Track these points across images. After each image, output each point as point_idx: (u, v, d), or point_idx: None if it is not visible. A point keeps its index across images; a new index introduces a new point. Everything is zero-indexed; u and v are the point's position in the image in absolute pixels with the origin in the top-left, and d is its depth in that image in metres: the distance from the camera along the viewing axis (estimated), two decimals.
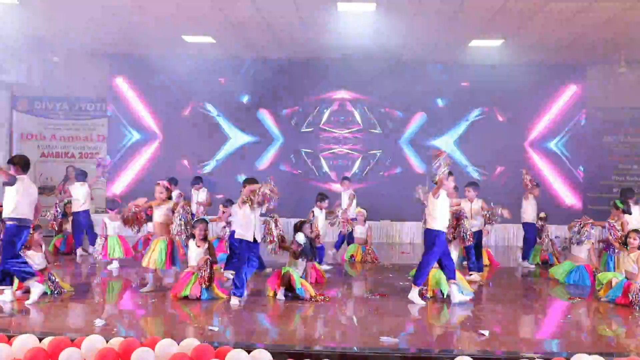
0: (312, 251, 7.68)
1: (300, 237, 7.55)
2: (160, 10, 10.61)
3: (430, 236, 7.23)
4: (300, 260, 7.55)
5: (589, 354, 4.71)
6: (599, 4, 9.70)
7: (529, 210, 10.60)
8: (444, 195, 7.23)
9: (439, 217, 7.20)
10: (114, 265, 9.53)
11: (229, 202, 10.27)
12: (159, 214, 7.67)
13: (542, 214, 10.85)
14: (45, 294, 7.14)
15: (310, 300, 7.17)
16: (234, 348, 4.67)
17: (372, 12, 10.26)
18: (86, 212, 10.89)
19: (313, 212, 10.05)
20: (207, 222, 7.75)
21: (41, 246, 7.50)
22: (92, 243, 10.63)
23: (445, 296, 7.34)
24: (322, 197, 10.19)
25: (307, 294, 7.24)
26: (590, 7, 9.84)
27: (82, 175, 11.19)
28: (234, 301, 6.96)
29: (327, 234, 11.08)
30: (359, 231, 10.97)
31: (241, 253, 7.24)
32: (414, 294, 7.23)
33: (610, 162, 14.48)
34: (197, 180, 12.01)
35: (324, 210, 10.12)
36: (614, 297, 7.37)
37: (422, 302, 7.15)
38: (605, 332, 6.20)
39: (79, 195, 10.90)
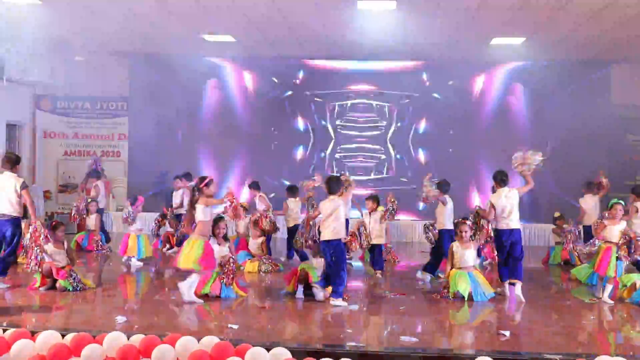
0: None
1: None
2: (181, 10, 10.68)
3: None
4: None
5: (612, 355, 4.64)
6: (619, 1, 9.53)
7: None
8: None
9: None
10: (135, 263, 9.61)
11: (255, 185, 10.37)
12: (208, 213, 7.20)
13: (557, 214, 10.74)
14: (67, 290, 7.25)
15: (329, 298, 7.15)
16: (254, 346, 4.68)
17: (393, 10, 10.21)
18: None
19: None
20: (225, 221, 7.78)
21: (63, 243, 7.59)
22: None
23: (466, 298, 7.27)
24: (371, 198, 9.39)
25: (326, 291, 7.21)
26: (616, 3, 9.67)
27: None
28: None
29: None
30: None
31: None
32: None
33: (634, 160, 14.23)
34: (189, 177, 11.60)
35: (376, 212, 9.24)
36: (638, 299, 7.24)
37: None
38: (629, 333, 6.10)
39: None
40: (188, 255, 6.88)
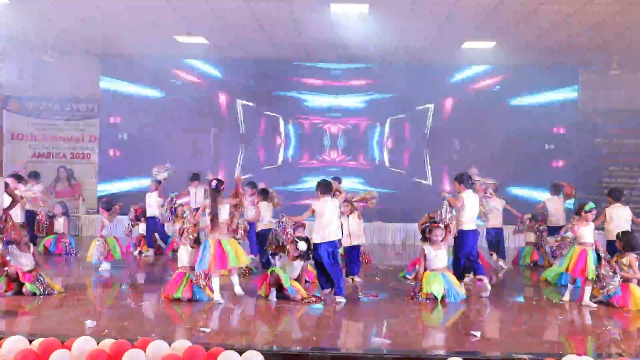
0: (309, 252, 7.55)
1: (302, 245, 7.46)
2: (153, 11, 10.58)
3: None
4: (297, 262, 7.54)
5: (580, 355, 4.73)
6: (589, 7, 9.76)
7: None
8: None
9: None
10: (105, 266, 9.44)
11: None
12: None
13: (528, 215, 10.96)
14: (34, 294, 7.12)
15: (302, 301, 7.16)
16: (226, 349, 4.65)
17: (366, 14, 10.27)
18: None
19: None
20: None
21: (29, 246, 7.44)
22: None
23: (440, 299, 7.35)
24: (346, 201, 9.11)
25: (298, 295, 7.21)
26: (582, 10, 9.89)
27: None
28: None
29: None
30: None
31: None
32: None
33: (600, 164, 14.56)
34: (195, 177, 11.60)
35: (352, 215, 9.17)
36: (608, 297, 7.36)
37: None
38: (596, 333, 6.22)
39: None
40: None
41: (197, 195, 11.33)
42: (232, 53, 13.66)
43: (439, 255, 7.65)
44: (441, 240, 7.72)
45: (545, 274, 9.24)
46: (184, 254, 7.39)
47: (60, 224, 11.09)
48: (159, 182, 11.38)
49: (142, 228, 11.39)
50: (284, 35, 12.07)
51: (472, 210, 8.00)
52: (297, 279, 7.54)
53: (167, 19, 10.97)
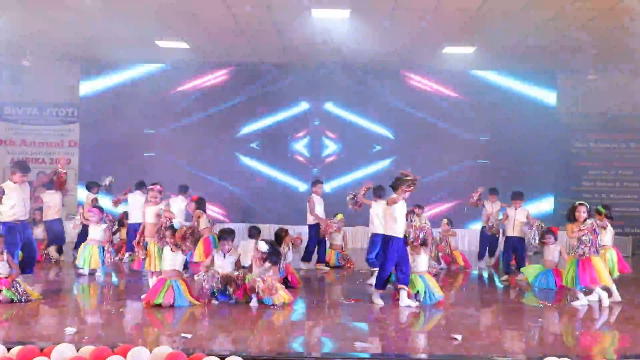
0: (278, 255, 7.45)
1: (262, 245, 7.37)
2: (132, 15, 10.52)
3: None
4: (267, 264, 7.39)
5: (559, 356, 4.79)
6: (568, 12, 9.90)
7: None
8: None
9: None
10: (99, 273, 9.36)
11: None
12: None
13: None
14: (12, 301, 7.03)
15: (273, 306, 7.11)
16: (207, 355, 4.64)
17: (347, 19, 10.32)
18: (59, 220, 10.78)
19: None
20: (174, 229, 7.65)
21: (2, 253, 7.35)
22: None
23: (422, 299, 7.41)
24: None
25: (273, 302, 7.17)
26: (561, 14, 10.04)
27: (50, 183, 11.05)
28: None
29: None
30: (337, 237, 10.99)
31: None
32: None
33: (580, 167, 14.76)
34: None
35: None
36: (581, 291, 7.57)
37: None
38: (574, 335, 6.31)
39: (52, 203, 10.67)
40: None
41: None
42: (213, 57, 13.63)
43: (417, 260, 7.68)
44: (421, 246, 7.76)
45: (524, 270, 9.37)
46: (168, 257, 7.33)
47: (39, 231, 10.94)
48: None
49: (123, 233, 11.31)
50: (266, 40, 12.07)
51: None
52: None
53: (148, 23, 10.91)
